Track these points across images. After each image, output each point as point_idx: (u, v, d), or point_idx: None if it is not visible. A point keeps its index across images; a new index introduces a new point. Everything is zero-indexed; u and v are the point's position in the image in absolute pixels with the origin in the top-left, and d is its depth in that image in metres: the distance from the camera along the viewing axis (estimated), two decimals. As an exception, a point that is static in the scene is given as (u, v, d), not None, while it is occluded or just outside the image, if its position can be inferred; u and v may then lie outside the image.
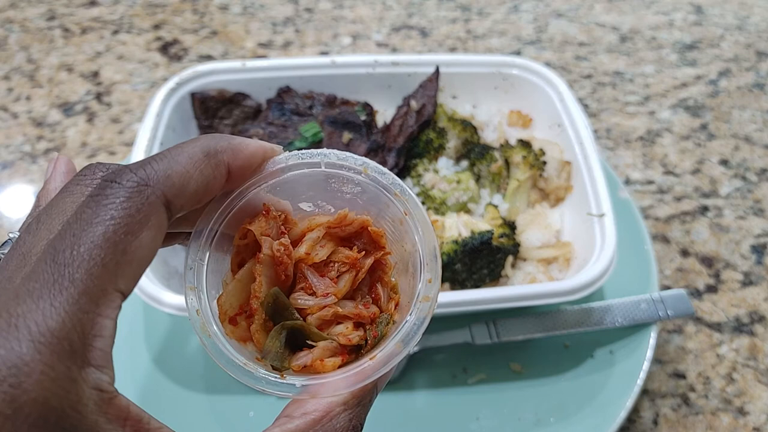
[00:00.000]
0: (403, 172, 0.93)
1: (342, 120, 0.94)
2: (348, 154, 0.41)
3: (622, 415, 0.76)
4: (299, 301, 0.40)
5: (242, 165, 0.39)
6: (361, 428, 0.37)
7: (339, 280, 0.41)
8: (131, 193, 0.32)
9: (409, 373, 0.81)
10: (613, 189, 0.91)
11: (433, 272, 0.39)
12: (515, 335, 0.81)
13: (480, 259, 0.81)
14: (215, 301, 0.39)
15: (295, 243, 0.41)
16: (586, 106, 1.23)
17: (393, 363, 0.37)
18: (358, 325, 0.40)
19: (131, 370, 0.80)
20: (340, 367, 0.38)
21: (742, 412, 0.83)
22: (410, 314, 0.38)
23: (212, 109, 0.96)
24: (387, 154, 0.92)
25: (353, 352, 0.39)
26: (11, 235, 0.38)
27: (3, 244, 0.38)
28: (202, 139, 0.37)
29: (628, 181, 1.10)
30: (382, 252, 0.42)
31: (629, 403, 0.77)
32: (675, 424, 0.82)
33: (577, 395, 0.79)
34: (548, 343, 0.84)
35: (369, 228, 0.42)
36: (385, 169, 0.41)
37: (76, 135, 1.15)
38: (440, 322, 0.83)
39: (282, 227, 0.41)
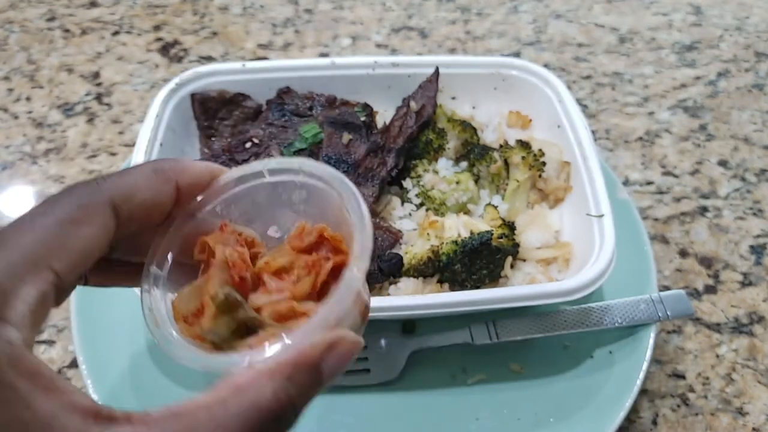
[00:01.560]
0: (402, 172, 0.93)
1: (342, 121, 0.94)
2: (284, 159, 0.44)
3: (622, 415, 0.76)
4: (256, 300, 0.40)
5: (190, 182, 0.42)
6: (293, 409, 0.35)
7: (299, 283, 0.41)
8: (80, 195, 0.37)
9: (408, 373, 0.81)
10: (612, 189, 0.91)
11: (365, 261, 0.39)
12: (515, 335, 0.81)
13: (479, 260, 0.81)
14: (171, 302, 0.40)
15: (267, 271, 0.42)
16: (585, 107, 1.23)
17: (311, 338, 0.36)
18: None
19: (131, 370, 0.80)
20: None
21: (741, 412, 0.83)
22: (337, 296, 0.38)
23: (212, 109, 0.96)
24: (387, 154, 0.92)
25: None
26: None
27: None
28: (152, 161, 0.41)
29: (627, 182, 1.10)
30: (343, 256, 0.42)
31: (628, 404, 0.77)
32: (674, 424, 0.82)
33: (576, 395, 0.79)
34: (548, 343, 0.84)
35: (326, 234, 0.42)
36: (317, 163, 0.43)
37: (76, 135, 1.15)
38: (439, 323, 0.84)
39: (241, 242, 0.42)
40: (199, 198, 0.43)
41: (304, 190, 0.43)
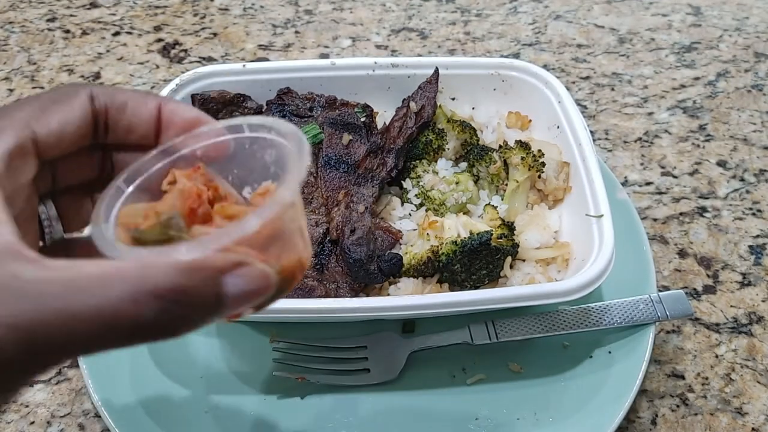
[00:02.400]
0: (402, 173, 0.94)
1: (342, 121, 0.94)
2: (264, 117, 0.46)
3: (621, 415, 0.76)
4: (195, 231, 0.40)
5: (176, 117, 0.44)
6: (181, 315, 0.34)
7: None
8: (66, 87, 0.41)
9: (408, 374, 0.81)
10: (611, 190, 0.91)
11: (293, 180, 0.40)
12: (514, 335, 0.81)
13: (479, 260, 0.81)
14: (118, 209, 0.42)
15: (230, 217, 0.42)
16: (584, 108, 1.23)
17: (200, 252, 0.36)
18: None
19: (131, 370, 0.80)
20: None
21: (740, 412, 0.83)
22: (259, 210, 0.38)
23: (213, 110, 0.97)
24: (386, 155, 0.92)
25: None
26: None
27: None
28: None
29: (626, 182, 1.10)
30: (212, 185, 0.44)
31: (628, 404, 0.77)
32: (674, 424, 0.82)
33: (575, 395, 0.80)
34: (547, 343, 0.84)
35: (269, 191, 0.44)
36: (287, 123, 0.45)
37: (76, 136, 1.15)
38: (439, 323, 0.84)
39: (207, 186, 0.43)
40: (180, 138, 0.45)
41: (274, 149, 0.45)
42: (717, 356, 0.89)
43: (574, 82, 1.28)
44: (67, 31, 1.37)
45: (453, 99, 1.03)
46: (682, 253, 1.00)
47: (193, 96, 0.96)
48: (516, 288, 0.78)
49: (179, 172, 0.43)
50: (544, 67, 1.26)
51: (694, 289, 0.96)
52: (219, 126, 0.45)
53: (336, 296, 0.81)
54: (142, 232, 0.39)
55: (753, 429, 0.82)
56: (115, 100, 0.43)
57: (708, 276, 0.98)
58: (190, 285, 0.34)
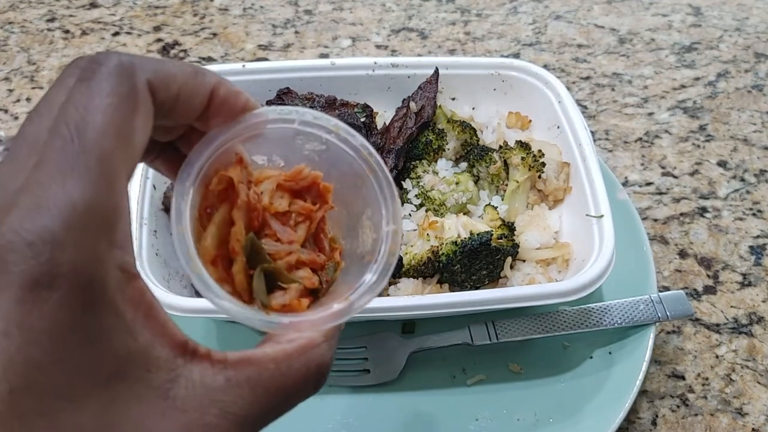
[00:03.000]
0: (402, 173, 0.94)
1: (342, 121, 0.94)
2: (322, 114, 0.44)
3: (621, 415, 0.76)
4: (268, 246, 0.43)
5: (223, 98, 0.40)
6: (331, 363, 0.41)
7: (297, 229, 0.44)
8: (119, 78, 0.33)
9: (408, 374, 0.81)
10: (611, 190, 0.91)
11: (398, 225, 0.44)
12: (514, 336, 0.81)
13: (479, 260, 0.81)
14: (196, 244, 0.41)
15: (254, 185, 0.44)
16: (584, 108, 1.23)
17: (363, 305, 0.41)
18: (312, 270, 0.44)
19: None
20: (308, 306, 0.42)
21: (741, 412, 0.83)
22: (375, 264, 0.43)
23: (212, 110, 0.96)
24: (386, 155, 0.92)
25: (312, 295, 0.44)
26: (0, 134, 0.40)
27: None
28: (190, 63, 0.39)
29: (626, 183, 1.10)
30: (328, 206, 0.46)
31: (628, 404, 0.77)
32: (674, 424, 0.82)
33: (575, 396, 0.80)
34: (547, 343, 0.84)
35: (319, 183, 0.45)
36: (355, 132, 0.45)
37: (76, 136, 1.15)
38: (439, 323, 0.84)
39: (249, 177, 0.44)
40: (230, 129, 0.42)
41: (326, 146, 0.45)
42: (717, 357, 0.88)
43: (574, 82, 1.28)
44: (67, 32, 1.37)
45: (453, 99, 1.03)
46: (683, 254, 1.00)
47: (192, 96, 0.96)
48: (516, 288, 0.78)
49: (233, 174, 0.42)
50: (545, 67, 1.26)
51: (695, 289, 0.96)
52: (268, 117, 0.43)
53: (336, 297, 0.81)
54: (256, 291, 0.41)
55: (753, 429, 0.82)
56: (170, 90, 0.37)
57: (708, 276, 0.97)
58: (332, 353, 0.41)
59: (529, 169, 0.91)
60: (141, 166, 0.84)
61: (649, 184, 1.10)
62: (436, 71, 0.98)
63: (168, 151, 0.44)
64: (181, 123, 0.41)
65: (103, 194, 0.31)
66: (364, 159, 0.45)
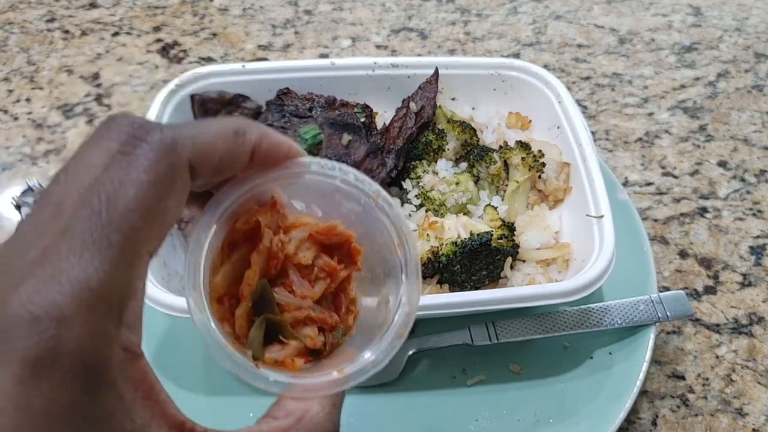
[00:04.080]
0: (402, 173, 0.93)
1: (341, 122, 0.94)
2: (365, 177, 0.44)
3: (621, 416, 0.76)
4: (280, 295, 0.42)
5: (266, 152, 0.39)
6: (336, 429, 0.39)
7: (315, 284, 0.44)
8: (159, 155, 0.33)
9: (408, 374, 0.81)
10: (611, 190, 0.91)
11: (413, 306, 0.44)
12: (514, 336, 0.81)
13: (479, 261, 0.81)
14: (209, 279, 0.41)
15: (283, 232, 0.44)
16: (584, 108, 1.23)
17: (357, 382, 0.40)
18: (320, 329, 0.43)
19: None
20: (305, 364, 0.42)
21: (741, 413, 0.83)
22: (379, 342, 0.42)
23: (212, 110, 0.96)
24: (386, 155, 0.92)
25: (312, 354, 0.43)
26: (31, 183, 0.39)
27: (23, 192, 0.39)
28: (233, 118, 0.38)
29: (626, 183, 1.10)
30: (355, 268, 0.45)
31: (628, 404, 0.77)
32: (674, 425, 0.82)
33: (576, 396, 0.79)
34: (547, 344, 0.84)
35: (351, 244, 0.45)
36: (393, 201, 0.44)
37: (76, 137, 1.15)
38: (439, 323, 0.84)
39: (279, 222, 0.43)
40: (269, 173, 0.42)
41: (363, 209, 0.45)
42: (717, 357, 0.88)
43: (574, 82, 1.28)
44: (67, 32, 1.37)
45: (453, 99, 1.03)
46: (683, 254, 1.00)
47: (192, 96, 0.96)
48: (516, 289, 0.77)
49: (262, 217, 0.42)
50: (545, 67, 1.26)
51: (695, 289, 0.96)
52: (310, 168, 0.43)
53: (336, 297, 0.81)
54: (250, 339, 0.41)
55: (753, 430, 0.82)
56: (211, 161, 0.36)
57: (708, 276, 0.97)
58: (338, 418, 0.41)
59: (529, 169, 0.91)
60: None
61: (649, 184, 1.10)
62: (436, 71, 0.98)
63: (203, 196, 0.42)
64: (220, 180, 0.41)
65: (120, 272, 0.31)
66: (398, 232, 0.44)
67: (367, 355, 0.41)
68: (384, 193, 0.44)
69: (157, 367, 0.82)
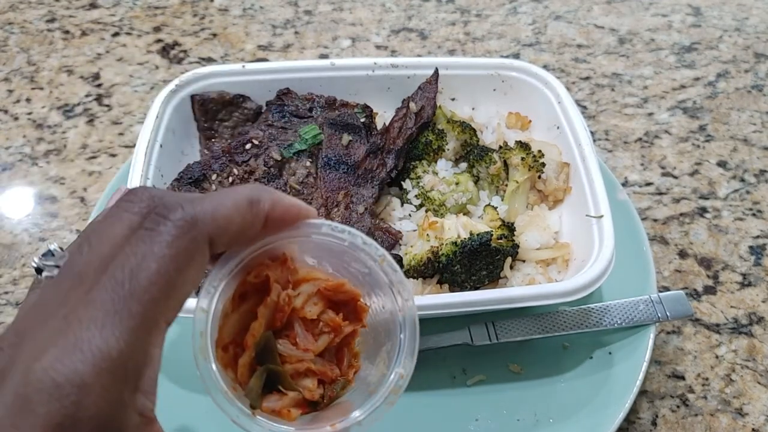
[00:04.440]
0: (402, 173, 0.94)
1: (342, 122, 0.94)
2: (372, 241, 0.47)
3: (621, 416, 0.76)
4: (283, 347, 0.45)
5: (278, 217, 0.42)
6: None
7: (319, 338, 0.46)
8: (181, 232, 0.36)
9: (409, 374, 0.81)
10: (611, 190, 0.91)
11: (407, 370, 0.46)
12: (514, 336, 0.81)
13: (479, 261, 0.81)
14: (217, 326, 0.44)
15: (293, 287, 0.47)
16: (584, 108, 1.23)
17: None
18: (320, 381, 0.46)
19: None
20: (301, 414, 0.44)
21: (741, 413, 0.83)
22: (376, 398, 0.44)
23: (212, 111, 0.97)
24: (386, 155, 0.92)
25: (310, 406, 0.45)
26: (52, 247, 0.41)
27: (44, 255, 0.41)
28: (248, 188, 0.40)
29: (626, 183, 1.10)
30: (360, 325, 0.48)
31: (628, 404, 0.77)
32: (674, 425, 0.82)
33: (575, 396, 0.80)
34: (547, 344, 0.84)
35: (358, 302, 0.48)
36: (398, 267, 0.47)
37: (76, 137, 1.15)
38: (439, 323, 0.84)
39: (289, 277, 0.46)
40: (276, 237, 0.45)
41: (369, 271, 0.48)
42: (717, 357, 0.88)
43: (574, 83, 1.28)
44: (67, 32, 1.37)
45: (453, 99, 1.03)
46: (683, 254, 1.00)
47: (192, 97, 0.96)
48: (516, 289, 0.78)
49: (271, 272, 0.45)
50: (544, 67, 1.26)
51: (695, 289, 0.96)
52: (320, 230, 0.46)
53: (336, 297, 0.81)
54: (249, 388, 0.43)
55: (753, 430, 0.82)
56: (228, 234, 0.39)
57: (708, 276, 0.97)
58: None
59: (529, 170, 0.91)
60: (141, 166, 0.85)
61: (649, 184, 1.10)
62: (436, 71, 0.98)
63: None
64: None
65: (139, 342, 0.33)
66: (399, 296, 0.47)
67: (356, 414, 0.43)
68: (389, 258, 0.47)
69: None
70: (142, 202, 0.37)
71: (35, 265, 0.40)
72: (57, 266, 0.39)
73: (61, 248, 0.41)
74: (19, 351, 0.33)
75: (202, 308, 0.42)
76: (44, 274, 0.39)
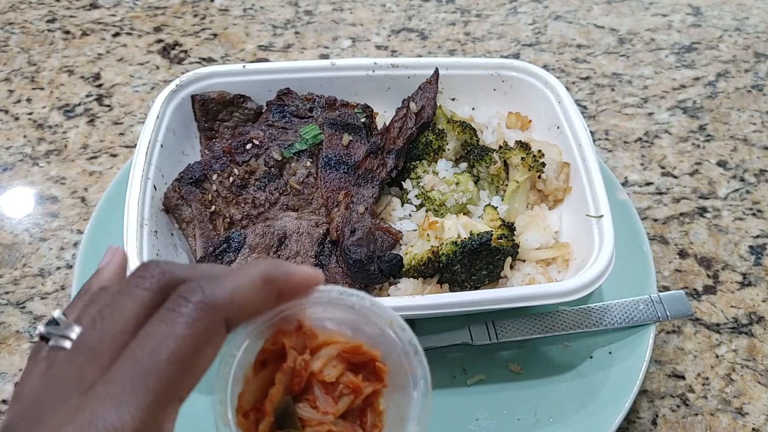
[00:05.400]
0: (402, 173, 0.94)
1: (342, 122, 0.94)
2: (381, 304, 0.49)
3: (621, 415, 0.76)
4: (303, 411, 0.46)
5: (291, 290, 0.45)
6: None
7: (339, 400, 0.48)
8: (201, 314, 0.38)
9: (409, 374, 0.81)
10: (611, 190, 0.91)
11: (422, 428, 0.47)
12: (514, 336, 0.81)
13: (479, 260, 0.81)
14: (237, 393, 0.46)
15: (313, 351, 0.49)
16: (584, 108, 1.23)
17: None
18: None
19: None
20: None
21: (741, 412, 0.83)
22: None
23: (213, 111, 0.97)
24: (386, 155, 0.92)
25: None
26: (56, 315, 0.42)
27: (48, 323, 0.42)
28: (262, 265, 0.43)
29: (626, 183, 1.10)
30: (381, 385, 0.49)
31: (628, 404, 0.77)
32: (674, 424, 0.82)
33: (576, 396, 0.80)
34: (547, 343, 0.84)
35: (376, 362, 0.49)
36: (406, 326, 0.49)
37: (77, 137, 1.15)
38: (439, 323, 0.84)
39: (306, 342, 0.48)
40: (289, 305, 0.48)
41: (381, 332, 0.50)
42: (717, 356, 0.89)
43: (574, 83, 1.28)
44: (67, 32, 1.37)
45: (453, 99, 1.03)
46: (683, 254, 1.00)
47: (193, 97, 0.96)
48: (516, 288, 0.78)
49: (287, 340, 0.47)
50: (544, 67, 1.26)
51: (695, 289, 0.96)
52: (331, 297, 0.48)
53: (336, 297, 0.81)
54: (261, 431, 0.45)
55: (753, 429, 0.82)
56: (244, 315, 0.41)
57: (708, 276, 0.98)
58: None
59: (529, 170, 0.91)
60: (141, 165, 0.85)
61: (648, 184, 1.10)
62: (436, 72, 0.98)
63: None
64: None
65: (153, 418, 0.35)
66: (411, 355, 0.49)
67: None
68: (398, 319, 0.49)
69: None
70: (153, 278, 0.39)
71: (41, 333, 0.41)
72: (63, 336, 0.40)
73: (66, 314, 0.42)
74: (38, 429, 0.35)
75: (221, 376, 0.44)
76: (50, 343, 0.40)
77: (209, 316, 0.38)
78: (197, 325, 0.37)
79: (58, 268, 0.96)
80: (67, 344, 0.39)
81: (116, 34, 1.37)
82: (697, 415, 0.83)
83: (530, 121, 1.01)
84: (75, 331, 0.39)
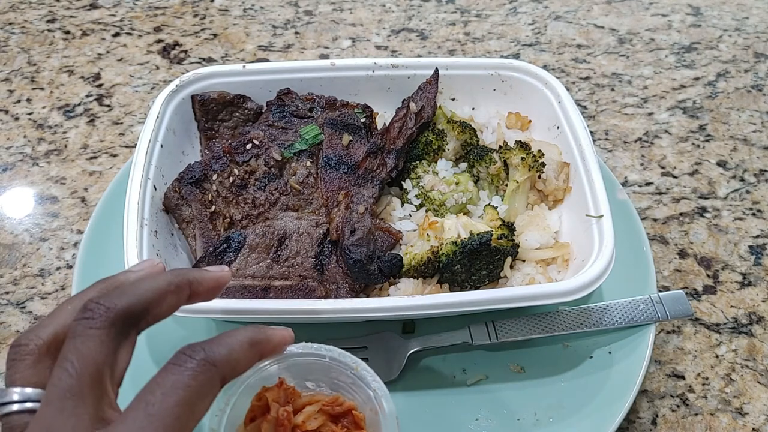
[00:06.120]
0: (402, 173, 0.94)
1: (342, 122, 0.94)
2: (347, 354, 0.58)
3: (621, 415, 0.76)
4: None
5: (270, 350, 0.54)
6: None
7: None
8: (203, 369, 0.45)
9: (408, 374, 0.81)
10: (611, 190, 0.91)
11: None
12: (514, 336, 0.81)
13: (479, 260, 0.81)
14: None
15: (297, 411, 0.56)
16: (584, 108, 1.23)
17: None
18: None
19: (132, 370, 0.80)
20: None
21: (741, 412, 0.83)
22: None
23: (213, 111, 0.97)
24: (386, 155, 0.92)
25: None
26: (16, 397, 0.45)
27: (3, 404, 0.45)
28: (249, 331, 0.52)
29: (626, 183, 1.10)
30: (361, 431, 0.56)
31: (628, 404, 0.77)
32: (674, 424, 0.82)
33: (575, 395, 0.80)
34: (547, 343, 0.84)
35: (354, 411, 0.57)
36: (371, 371, 0.58)
37: (77, 137, 1.15)
38: (439, 323, 0.84)
39: (288, 398, 0.56)
40: (270, 360, 0.56)
41: (352, 379, 0.58)
42: (717, 356, 0.89)
43: (573, 83, 1.28)
44: (67, 32, 1.37)
45: (453, 99, 1.03)
46: (682, 254, 1.00)
47: (193, 97, 0.96)
48: (516, 288, 0.78)
49: (270, 394, 0.56)
50: (544, 67, 1.26)
51: (694, 289, 0.96)
52: (302, 351, 0.57)
53: (336, 297, 0.81)
54: None
55: (753, 429, 0.82)
56: (236, 371, 0.49)
57: (708, 276, 0.98)
58: None
59: (529, 170, 0.91)
60: (142, 165, 0.85)
61: (648, 184, 1.10)
62: (436, 72, 0.98)
63: None
64: None
65: None
66: (377, 398, 0.57)
67: None
68: (362, 364, 0.57)
69: (158, 364, 0.83)
70: (100, 316, 0.45)
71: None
72: (17, 402, 0.44)
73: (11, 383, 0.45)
74: None
75: (212, 428, 0.51)
76: (3, 410, 0.44)
77: (210, 374, 0.45)
78: (200, 378, 0.44)
79: (58, 268, 0.96)
80: (15, 407, 0.43)
81: (116, 34, 1.37)
82: (697, 415, 0.83)
83: (530, 121, 1.01)
84: (52, 381, 0.43)
